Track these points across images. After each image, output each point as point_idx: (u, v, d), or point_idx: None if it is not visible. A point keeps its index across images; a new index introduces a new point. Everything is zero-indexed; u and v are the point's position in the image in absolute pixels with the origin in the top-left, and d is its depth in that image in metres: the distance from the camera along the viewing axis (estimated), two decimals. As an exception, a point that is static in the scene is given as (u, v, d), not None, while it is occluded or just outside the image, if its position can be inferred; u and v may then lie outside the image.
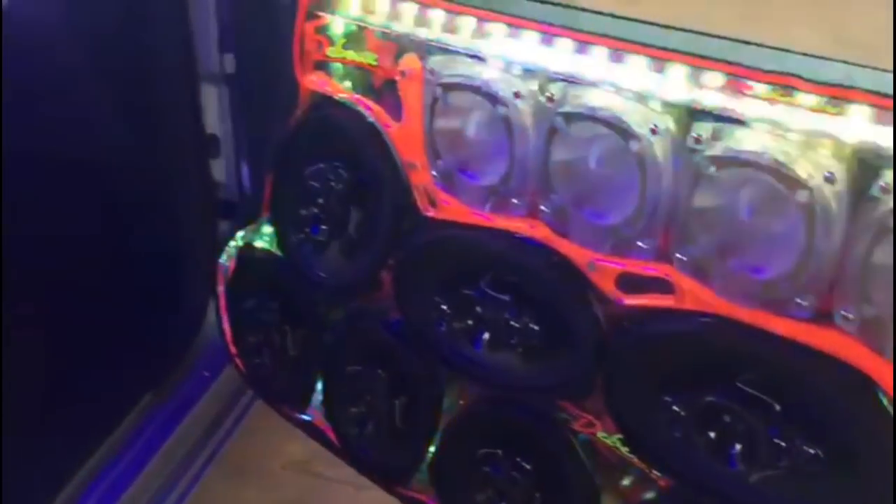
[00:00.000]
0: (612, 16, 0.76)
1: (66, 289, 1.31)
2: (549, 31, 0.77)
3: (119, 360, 1.23)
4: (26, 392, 1.22)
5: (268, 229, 1.09)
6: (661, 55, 0.71)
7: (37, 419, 1.17)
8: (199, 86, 1.18)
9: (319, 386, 1.08)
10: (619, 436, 0.81)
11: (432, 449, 0.97)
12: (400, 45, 0.86)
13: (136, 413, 1.20)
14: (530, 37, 0.79)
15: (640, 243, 0.74)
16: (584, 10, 0.78)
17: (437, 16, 0.85)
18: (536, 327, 0.81)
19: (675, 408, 0.74)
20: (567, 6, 0.79)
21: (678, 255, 0.72)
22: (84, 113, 1.13)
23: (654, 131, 0.70)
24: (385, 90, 0.89)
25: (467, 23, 0.83)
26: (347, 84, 0.93)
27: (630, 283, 0.75)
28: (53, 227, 1.27)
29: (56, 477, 1.11)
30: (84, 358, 1.22)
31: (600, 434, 0.83)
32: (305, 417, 1.11)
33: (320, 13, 0.90)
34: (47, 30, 1.02)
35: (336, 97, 0.91)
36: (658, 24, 0.73)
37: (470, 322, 0.86)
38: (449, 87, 0.81)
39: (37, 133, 1.15)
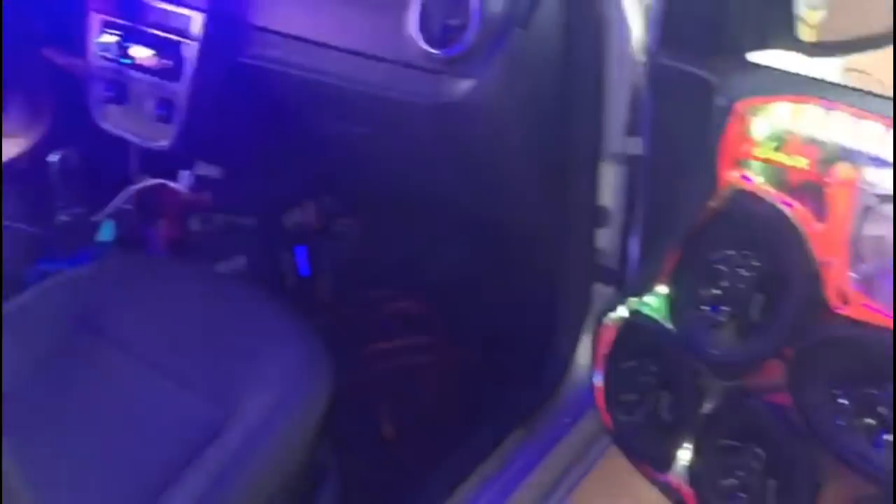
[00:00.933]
0: None
1: (460, 326, 1.52)
2: None
3: (498, 393, 1.40)
4: (422, 414, 1.43)
5: (650, 299, 1.20)
6: None
7: (428, 438, 1.37)
8: (600, 162, 1.32)
9: (686, 452, 1.15)
10: None
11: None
12: (828, 153, 0.92)
13: (507, 444, 1.36)
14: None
15: None
16: None
17: (872, 128, 0.90)
18: (951, 438, 0.83)
19: None
20: None
21: None
22: (503, 173, 1.32)
23: None
24: (803, 190, 0.96)
25: (902, 136, 0.88)
26: (761, 179, 1.01)
27: None
28: (459, 272, 1.48)
29: (438, 494, 1.28)
30: (469, 389, 1.40)
31: None
32: (665, 479, 1.19)
33: (751, 116, 0.99)
34: (497, 111, 1.22)
35: (757, 193, 0.99)
36: None
37: (872, 421, 0.89)
38: (886, 199, 0.86)
39: (462, 189, 1.36)
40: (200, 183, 1.51)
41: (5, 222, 1.36)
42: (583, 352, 1.43)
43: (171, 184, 1.50)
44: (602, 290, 1.41)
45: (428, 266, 1.58)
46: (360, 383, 1.51)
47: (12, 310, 1.28)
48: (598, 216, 1.36)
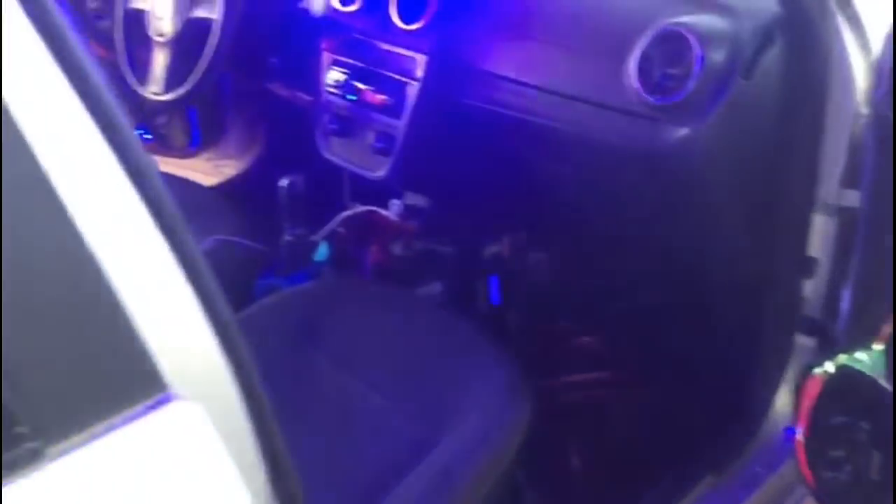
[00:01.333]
0: None
1: (651, 367, 1.53)
2: None
3: (691, 437, 1.40)
4: (612, 451, 1.45)
5: (863, 355, 1.17)
6: None
7: (618, 477, 1.38)
8: (812, 213, 1.31)
9: (897, 516, 1.12)
10: None
11: None
12: None
13: (697, 491, 1.35)
14: None
15: None
16: None
17: None
18: None
19: None
20: None
21: None
22: (710, 219, 1.33)
23: None
24: None
25: None
26: None
27: None
28: (652, 313, 1.50)
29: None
30: (660, 430, 1.41)
31: None
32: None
33: None
34: (710, 159, 1.23)
35: None
36: None
37: None
38: None
39: (664, 231, 1.38)
40: (408, 211, 1.60)
41: (237, 238, 1.50)
42: (779, 402, 1.41)
43: (382, 211, 1.60)
44: (803, 342, 1.39)
45: (619, 304, 1.60)
46: (549, 414, 1.55)
47: (241, 321, 1.40)
48: (805, 267, 1.35)
